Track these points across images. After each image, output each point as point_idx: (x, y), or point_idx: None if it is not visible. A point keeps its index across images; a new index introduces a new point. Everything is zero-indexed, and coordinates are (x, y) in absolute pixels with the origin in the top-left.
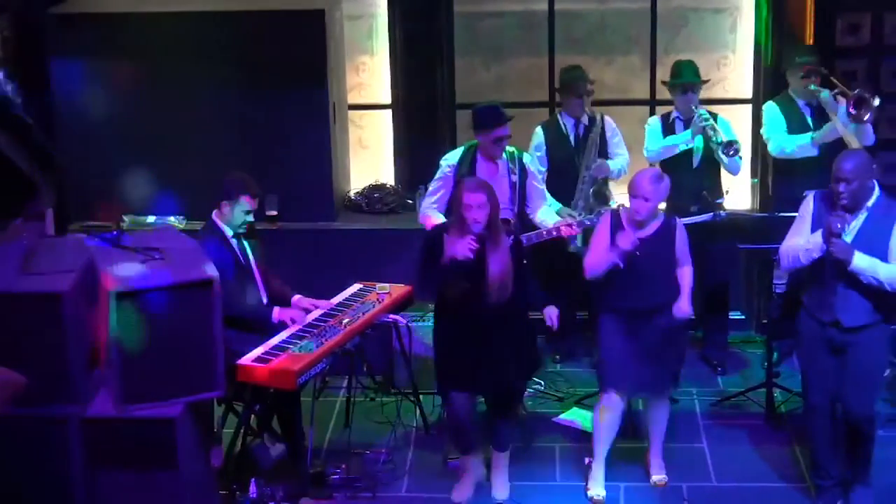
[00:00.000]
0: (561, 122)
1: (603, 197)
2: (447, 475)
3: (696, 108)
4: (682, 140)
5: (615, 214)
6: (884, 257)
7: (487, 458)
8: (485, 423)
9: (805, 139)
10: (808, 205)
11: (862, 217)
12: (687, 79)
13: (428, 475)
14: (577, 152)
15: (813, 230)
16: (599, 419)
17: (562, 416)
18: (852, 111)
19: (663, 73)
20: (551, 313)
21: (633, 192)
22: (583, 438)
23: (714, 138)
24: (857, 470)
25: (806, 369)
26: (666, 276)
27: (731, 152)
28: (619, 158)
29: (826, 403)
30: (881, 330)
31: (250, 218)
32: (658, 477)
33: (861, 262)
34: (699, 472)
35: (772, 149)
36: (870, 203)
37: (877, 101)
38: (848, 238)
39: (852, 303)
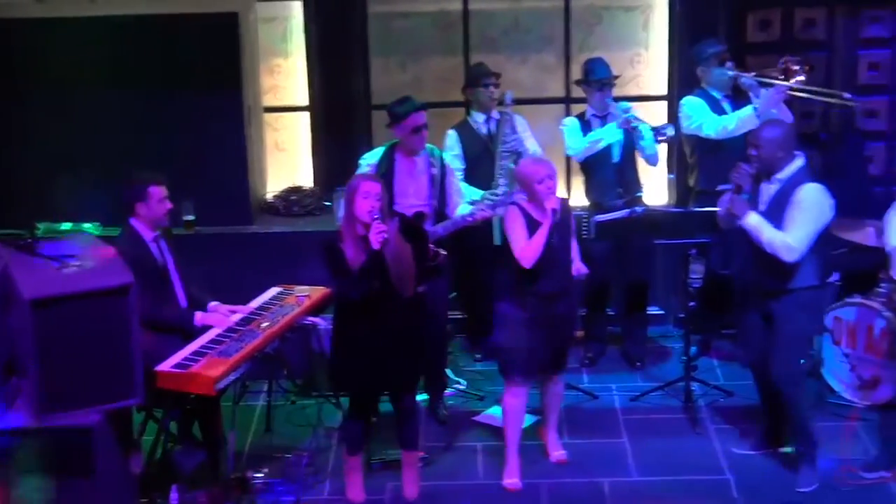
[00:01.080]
0: (471, 121)
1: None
2: (370, 476)
3: (612, 103)
4: (608, 134)
5: (520, 206)
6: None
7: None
8: (393, 423)
9: (748, 111)
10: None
11: (774, 187)
12: (601, 75)
13: None
14: (493, 145)
15: None
16: (510, 408)
17: (483, 414)
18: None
19: (578, 72)
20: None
21: (537, 179)
22: (505, 436)
23: (640, 126)
24: (794, 440)
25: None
26: (569, 258)
27: (662, 136)
28: (532, 149)
29: (756, 364)
30: (804, 296)
31: (169, 204)
32: (559, 453)
33: (751, 220)
34: (620, 468)
35: (712, 131)
36: (783, 175)
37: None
38: (763, 206)
39: (773, 267)
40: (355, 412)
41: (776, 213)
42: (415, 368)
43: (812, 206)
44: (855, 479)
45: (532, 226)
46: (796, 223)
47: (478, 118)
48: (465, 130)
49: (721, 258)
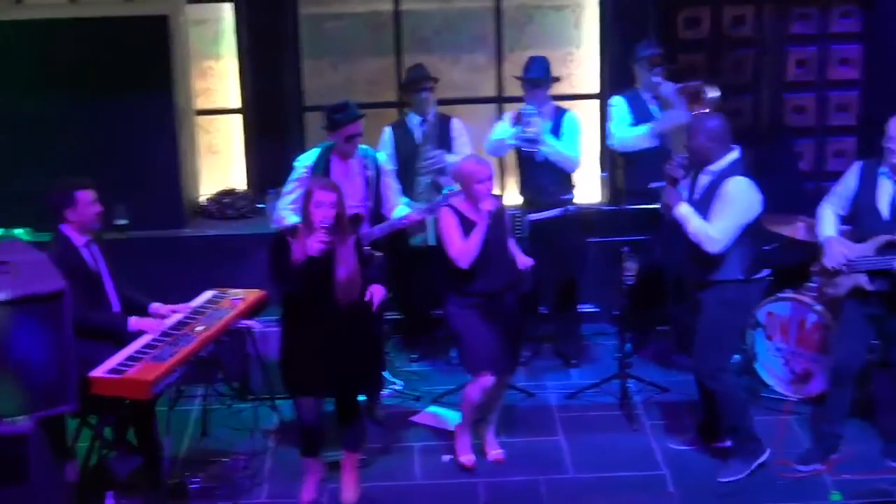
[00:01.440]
0: (408, 122)
1: (438, 187)
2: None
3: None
4: (508, 135)
5: (453, 207)
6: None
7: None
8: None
9: (643, 129)
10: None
11: (707, 178)
12: (534, 74)
13: (288, 480)
14: (423, 149)
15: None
16: (474, 399)
17: (420, 415)
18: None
19: (510, 71)
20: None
21: (477, 179)
22: (442, 436)
23: (522, 132)
24: (728, 434)
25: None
26: (507, 257)
27: (531, 145)
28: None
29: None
30: (728, 289)
31: (98, 208)
32: (496, 452)
33: (681, 210)
34: (556, 465)
35: (614, 143)
36: (715, 167)
37: (712, 94)
38: (696, 198)
39: (701, 258)
40: (307, 414)
41: (706, 205)
42: (366, 371)
43: (737, 199)
44: (790, 473)
45: (466, 226)
46: (720, 215)
47: (414, 120)
48: (400, 130)
49: (663, 251)
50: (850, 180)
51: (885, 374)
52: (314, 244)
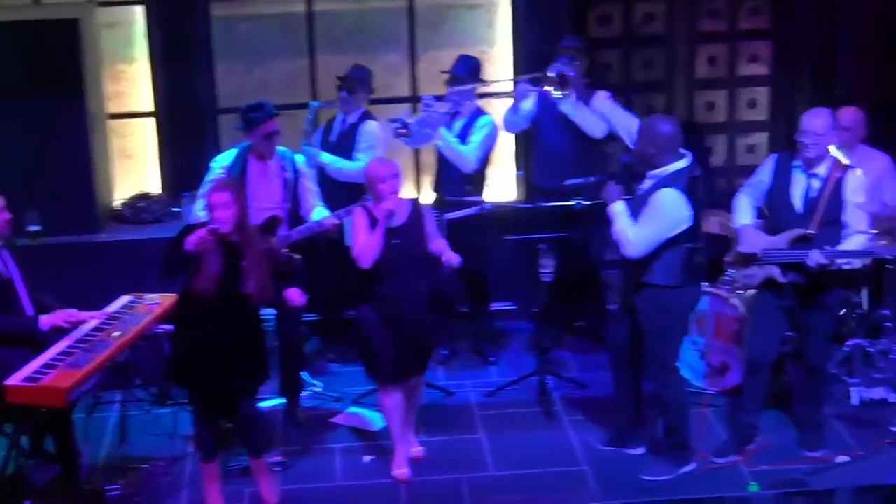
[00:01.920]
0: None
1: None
2: (229, 483)
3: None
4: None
5: (366, 209)
6: None
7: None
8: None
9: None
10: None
11: (649, 183)
12: (454, 71)
13: None
14: (340, 146)
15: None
16: (387, 407)
17: (340, 416)
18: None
19: (425, 71)
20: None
21: (380, 179)
22: (363, 437)
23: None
24: (667, 434)
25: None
26: (424, 260)
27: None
28: (352, 162)
29: (623, 357)
30: (656, 293)
31: (7, 214)
32: (415, 449)
33: (615, 208)
34: (477, 463)
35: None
36: (658, 173)
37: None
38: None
39: (631, 259)
40: (201, 418)
41: (640, 209)
42: (252, 373)
43: (661, 210)
44: (707, 465)
45: (377, 227)
46: (643, 222)
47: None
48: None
49: (597, 247)
50: (764, 173)
51: (798, 365)
52: (192, 238)
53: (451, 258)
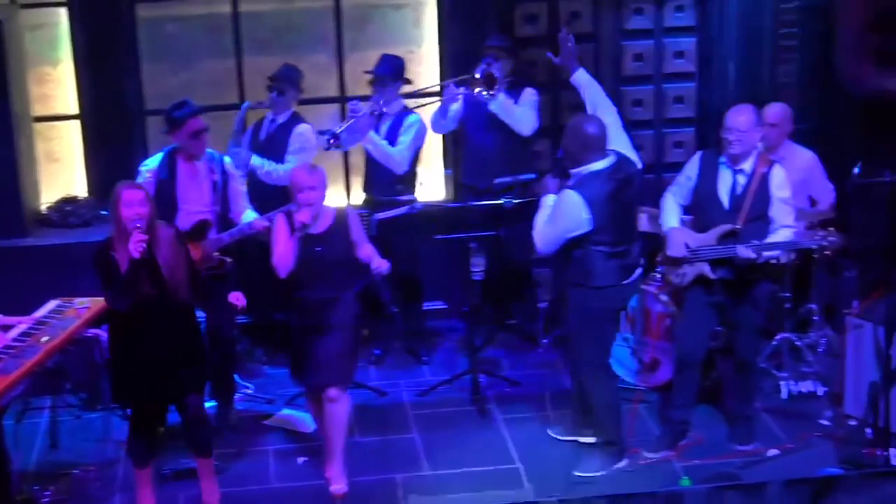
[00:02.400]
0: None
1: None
2: (163, 487)
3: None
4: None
5: (288, 215)
6: None
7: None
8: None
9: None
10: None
11: (572, 181)
12: (377, 71)
13: None
14: (270, 148)
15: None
16: (315, 415)
17: (273, 418)
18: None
19: (351, 71)
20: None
21: (298, 188)
22: (296, 439)
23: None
24: (595, 431)
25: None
26: (348, 266)
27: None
28: (283, 165)
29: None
30: (574, 291)
31: None
32: (338, 486)
33: (545, 201)
34: (412, 463)
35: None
36: (576, 171)
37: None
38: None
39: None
40: (137, 424)
41: None
42: (196, 373)
43: (559, 210)
44: (640, 460)
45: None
46: (547, 219)
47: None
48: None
49: (529, 245)
50: (690, 170)
51: (728, 360)
52: (133, 246)
53: (380, 265)
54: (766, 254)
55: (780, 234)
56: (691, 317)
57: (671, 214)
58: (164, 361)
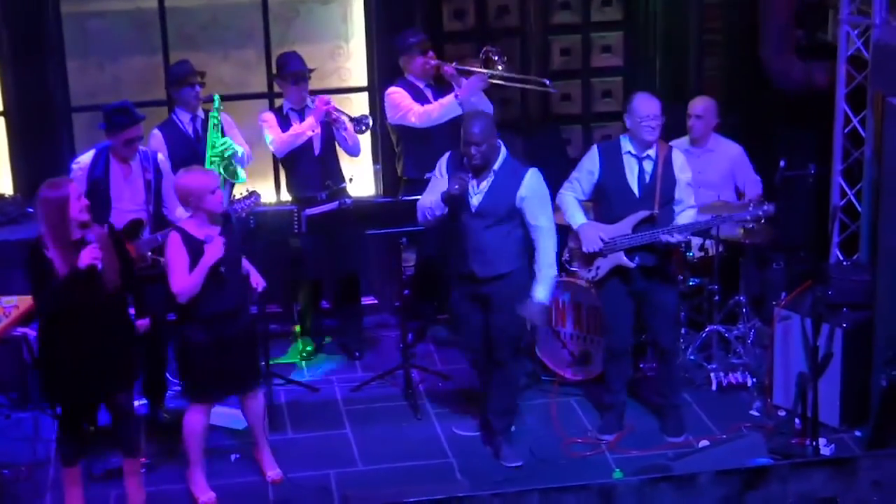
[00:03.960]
0: (176, 120)
1: (233, 174)
2: (92, 486)
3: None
4: (308, 127)
5: (180, 230)
6: (510, 215)
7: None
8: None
9: (450, 99)
10: (442, 164)
11: (490, 179)
12: (294, 68)
13: None
14: (199, 144)
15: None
16: (197, 428)
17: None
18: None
19: None
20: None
21: (210, 189)
22: (228, 436)
23: (341, 118)
24: (501, 413)
25: (457, 325)
26: (240, 273)
27: (363, 127)
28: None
29: (479, 350)
30: (517, 276)
31: None
32: (273, 472)
33: None
34: (345, 459)
35: (417, 119)
36: (496, 165)
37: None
38: (477, 198)
39: (483, 250)
40: (66, 422)
41: (492, 203)
42: (127, 371)
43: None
44: (576, 452)
45: (194, 248)
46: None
47: (183, 117)
48: (170, 130)
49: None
50: (590, 165)
51: (655, 352)
52: (87, 259)
53: (258, 281)
54: (677, 236)
55: (686, 215)
56: (614, 307)
57: (576, 211)
58: (95, 359)
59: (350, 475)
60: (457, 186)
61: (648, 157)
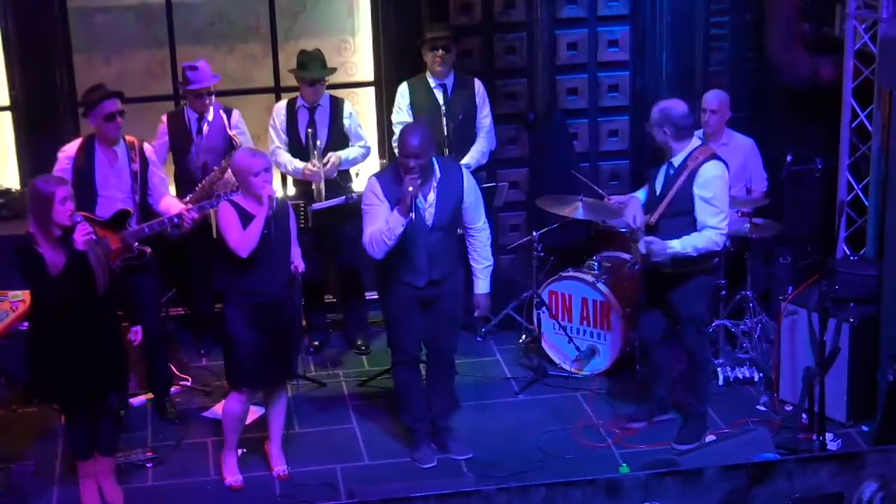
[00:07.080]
0: (186, 114)
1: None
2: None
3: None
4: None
5: (232, 202)
6: (455, 220)
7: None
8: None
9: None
10: (376, 188)
11: (434, 189)
12: (314, 73)
13: (78, 484)
14: (199, 140)
15: (392, 209)
16: (236, 412)
17: (212, 410)
18: None
19: (285, 60)
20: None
21: (253, 172)
22: None
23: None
24: (447, 410)
25: (398, 327)
26: (288, 259)
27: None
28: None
29: (416, 353)
30: (461, 273)
31: None
32: (281, 468)
33: None
34: (352, 453)
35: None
36: (437, 176)
37: None
38: (430, 212)
39: (437, 259)
40: (72, 418)
41: (442, 211)
42: (117, 370)
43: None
44: (625, 432)
45: (246, 220)
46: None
47: (191, 115)
48: (177, 120)
49: None
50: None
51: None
52: (81, 238)
53: (299, 264)
54: (655, 259)
55: (691, 239)
56: (645, 304)
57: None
58: (87, 359)
59: (356, 469)
60: (410, 188)
61: (671, 163)
